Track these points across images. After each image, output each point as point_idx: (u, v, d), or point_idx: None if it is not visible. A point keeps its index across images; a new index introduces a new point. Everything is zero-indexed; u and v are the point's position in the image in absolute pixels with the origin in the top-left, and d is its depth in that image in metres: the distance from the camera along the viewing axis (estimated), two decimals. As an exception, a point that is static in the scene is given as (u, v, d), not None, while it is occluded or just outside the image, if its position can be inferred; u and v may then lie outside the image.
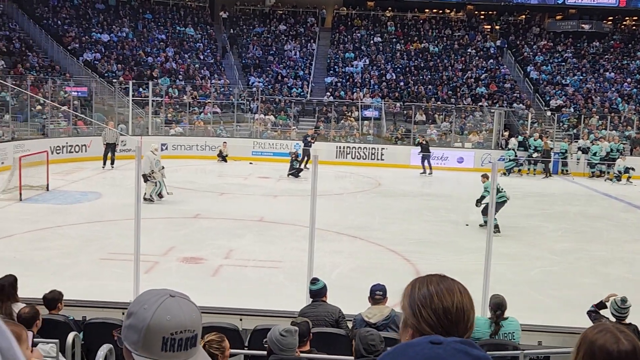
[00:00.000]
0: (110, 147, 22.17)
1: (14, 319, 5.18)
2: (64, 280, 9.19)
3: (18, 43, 29.72)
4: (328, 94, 32.00)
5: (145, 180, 15.92)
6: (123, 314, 6.80)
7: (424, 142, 24.46)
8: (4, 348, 0.72)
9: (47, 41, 30.91)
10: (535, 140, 25.39)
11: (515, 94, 32.36)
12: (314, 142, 23.84)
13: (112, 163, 22.05)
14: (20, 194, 15.82)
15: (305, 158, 22.97)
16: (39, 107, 24.49)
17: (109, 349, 4.74)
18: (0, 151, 19.57)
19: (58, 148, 22.73)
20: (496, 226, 14.08)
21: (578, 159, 25.56)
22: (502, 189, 13.67)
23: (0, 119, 22.32)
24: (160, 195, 16.49)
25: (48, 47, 30.79)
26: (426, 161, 24.08)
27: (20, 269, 8.45)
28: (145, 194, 15.92)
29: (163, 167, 16.72)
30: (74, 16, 33.45)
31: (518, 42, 36.75)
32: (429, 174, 23.80)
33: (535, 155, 25.05)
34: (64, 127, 25.08)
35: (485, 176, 14.48)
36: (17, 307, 5.60)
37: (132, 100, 26.38)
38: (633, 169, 23.47)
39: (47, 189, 17.11)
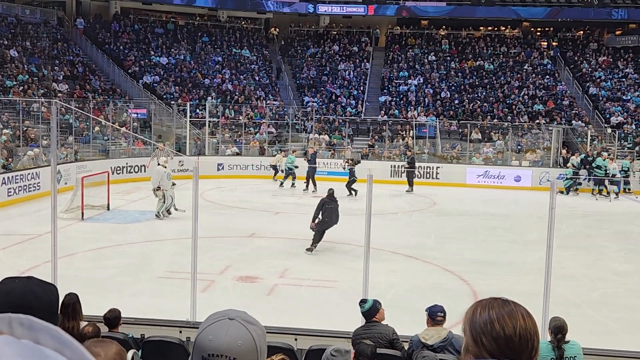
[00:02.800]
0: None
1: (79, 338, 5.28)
2: (124, 297, 9.39)
3: (81, 67, 30.82)
4: (382, 112, 31.98)
5: (155, 195, 16.26)
6: (180, 332, 6.90)
7: (409, 159, 23.97)
8: None
9: (108, 65, 32.00)
10: (604, 160, 23.63)
11: (574, 111, 31.62)
12: (306, 160, 23.40)
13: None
14: (82, 213, 16.27)
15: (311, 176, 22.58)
16: (97, 128, 25.27)
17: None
18: (63, 172, 20.15)
19: (118, 168, 23.35)
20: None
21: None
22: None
23: (64, 140, 23.06)
24: (168, 212, 16.52)
25: (109, 71, 31.86)
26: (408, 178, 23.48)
27: (82, 286, 8.69)
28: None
29: (174, 184, 16.73)
30: (134, 40, 34.50)
31: (576, 58, 35.98)
32: (409, 191, 23.15)
33: (597, 173, 23.88)
34: (124, 148, 25.81)
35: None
36: (80, 326, 5.72)
37: (190, 121, 26.95)
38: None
39: (108, 209, 17.57)
